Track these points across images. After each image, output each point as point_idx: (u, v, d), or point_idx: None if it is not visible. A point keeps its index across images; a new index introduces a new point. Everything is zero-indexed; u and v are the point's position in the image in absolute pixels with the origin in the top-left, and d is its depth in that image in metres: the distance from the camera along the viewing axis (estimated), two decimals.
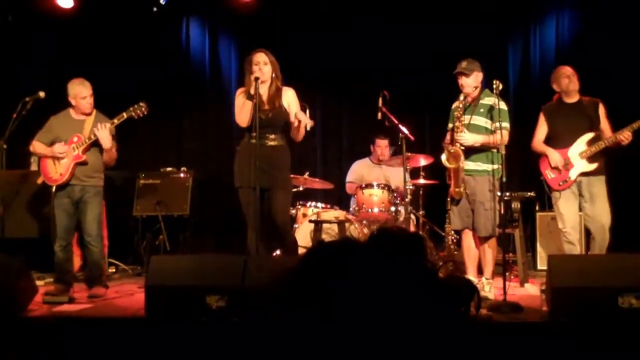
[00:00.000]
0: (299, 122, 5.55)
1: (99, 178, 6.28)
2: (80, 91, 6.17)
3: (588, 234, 6.36)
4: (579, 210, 6.23)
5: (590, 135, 6.10)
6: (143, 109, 6.18)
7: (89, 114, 6.25)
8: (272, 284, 1.17)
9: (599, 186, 6.09)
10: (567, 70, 6.29)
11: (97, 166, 6.24)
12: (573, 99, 6.26)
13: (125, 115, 6.16)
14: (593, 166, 6.05)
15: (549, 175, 6.20)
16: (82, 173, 6.15)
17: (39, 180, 6.35)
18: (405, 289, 1.08)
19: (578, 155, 6.09)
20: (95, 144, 6.15)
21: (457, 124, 5.95)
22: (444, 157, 5.95)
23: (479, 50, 7.04)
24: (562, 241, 6.21)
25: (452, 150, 5.89)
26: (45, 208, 7.19)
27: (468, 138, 5.90)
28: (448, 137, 6.17)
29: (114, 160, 6.35)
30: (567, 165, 6.11)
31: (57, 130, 6.22)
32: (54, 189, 6.16)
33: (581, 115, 6.21)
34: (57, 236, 6.17)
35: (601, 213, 6.02)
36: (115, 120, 6.15)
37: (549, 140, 6.32)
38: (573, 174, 6.09)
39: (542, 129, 6.38)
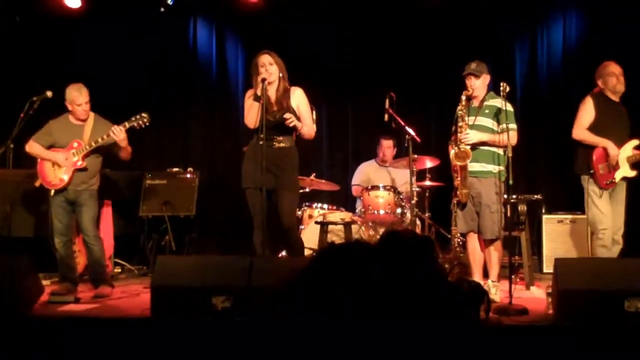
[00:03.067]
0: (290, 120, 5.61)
1: (94, 182, 6.33)
2: (77, 97, 6.18)
3: None
4: None
5: (636, 142, 5.99)
6: (145, 119, 6.22)
7: (84, 120, 6.28)
8: (282, 284, 1.17)
9: (623, 191, 6.02)
10: (616, 68, 6.09)
11: (94, 172, 6.30)
12: (617, 98, 6.11)
13: (127, 124, 6.18)
14: (633, 173, 5.98)
15: (601, 169, 5.98)
16: (80, 179, 6.20)
17: (37, 183, 6.34)
18: (415, 292, 1.08)
19: (625, 158, 5.95)
20: (95, 150, 6.21)
21: (461, 123, 5.94)
22: (452, 152, 5.92)
23: (485, 51, 7.05)
24: (596, 243, 6.01)
25: (462, 149, 5.84)
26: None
27: (472, 136, 5.89)
28: (453, 139, 6.17)
29: (129, 155, 6.41)
30: (616, 165, 5.95)
31: (56, 135, 6.26)
32: (52, 192, 6.18)
33: (624, 117, 6.08)
34: (56, 232, 6.20)
35: (619, 216, 5.95)
36: (122, 127, 6.16)
37: (591, 131, 6.08)
38: (618, 175, 5.95)
39: (588, 116, 6.10)
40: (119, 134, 6.11)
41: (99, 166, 6.37)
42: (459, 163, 5.86)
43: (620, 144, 5.98)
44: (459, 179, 5.95)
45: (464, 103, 5.97)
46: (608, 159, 5.96)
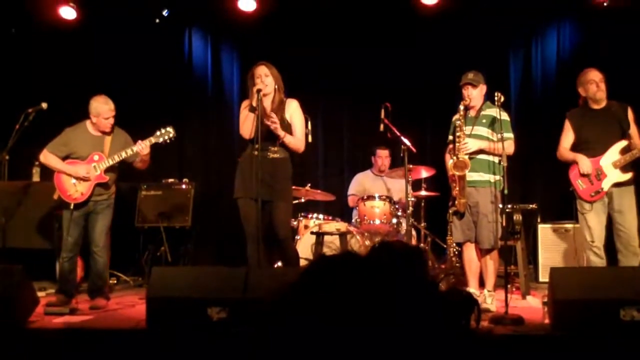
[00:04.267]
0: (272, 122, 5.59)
1: (113, 192, 6.31)
2: (105, 111, 6.12)
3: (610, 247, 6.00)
4: (608, 222, 5.93)
5: (623, 144, 5.84)
6: (171, 134, 6.22)
7: (108, 133, 6.22)
8: (273, 297, 1.17)
9: (630, 197, 5.85)
10: (596, 75, 5.98)
11: (112, 183, 6.27)
12: (601, 105, 6.00)
13: (153, 140, 6.17)
14: (627, 176, 5.82)
15: (580, 185, 5.91)
16: (99, 191, 6.16)
17: (55, 196, 6.23)
18: (405, 303, 1.09)
19: (611, 164, 5.83)
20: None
21: (459, 133, 5.93)
22: (451, 162, 5.91)
23: (480, 61, 7.05)
24: (589, 254, 5.94)
25: (461, 158, 5.83)
26: (47, 219, 7.21)
27: (471, 145, 5.88)
28: (450, 148, 6.19)
29: (146, 166, 6.41)
30: (600, 175, 5.84)
31: (74, 145, 6.17)
32: (72, 206, 6.09)
33: (611, 121, 5.92)
34: (65, 248, 6.12)
35: (631, 226, 5.79)
36: (148, 142, 6.16)
37: (575, 149, 6.03)
38: (606, 184, 5.83)
39: (568, 136, 6.09)
40: (144, 149, 6.10)
41: (115, 177, 6.34)
42: (457, 173, 5.85)
43: (604, 151, 5.89)
44: (457, 188, 5.93)
45: (461, 113, 5.98)
46: (582, 171, 5.89)
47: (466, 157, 5.84)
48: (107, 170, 6.15)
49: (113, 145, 6.18)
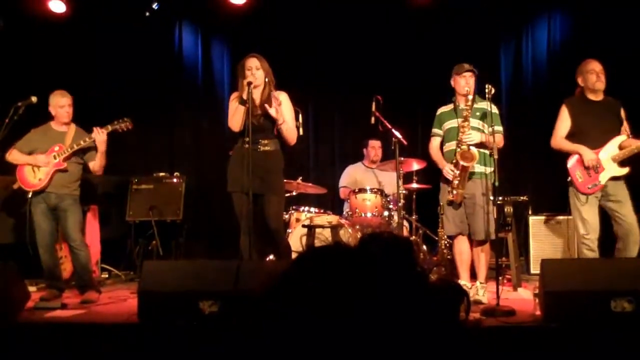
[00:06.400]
0: (275, 110, 5.58)
1: (76, 188, 6.37)
2: (59, 101, 6.32)
3: (606, 239, 5.96)
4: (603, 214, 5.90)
5: (622, 138, 5.83)
6: (127, 123, 6.39)
7: (67, 124, 6.38)
8: (263, 289, 1.17)
9: (623, 189, 5.82)
10: (596, 65, 5.93)
11: (74, 176, 6.36)
12: (598, 97, 5.96)
13: (110, 127, 6.32)
14: (624, 171, 5.78)
15: (579, 177, 5.85)
16: (60, 182, 6.25)
17: (15, 186, 6.40)
18: (394, 293, 1.08)
19: (610, 158, 5.79)
20: (76, 154, 6.29)
21: (463, 123, 5.90)
22: (458, 150, 5.87)
23: (471, 53, 7.04)
24: (581, 247, 5.91)
25: (471, 150, 5.81)
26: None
27: (475, 137, 5.88)
28: (432, 142, 6.19)
29: (102, 168, 6.44)
30: (598, 168, 5.79)
31: (36, 142, 6.33)
32: (30, 194, 6.22)
33: (608, 114, 5.91)
34: (40, 243, 6.22)
35: (631, 214, 5.77)
36: (104, 130, 6.26)
37: (570, 138, 5.96)
38: (603, 178, 5.79)
39: (564, 125, 6.00)
40: (101, 135, 6.20)
41: (80, 172, 6.41)
42: (464, 163, 5.79)
43: (603, 143, 5.86)
44: (458, 179, 5.89)
45: (470, 103, 5.93)
46: (586, 164, 5.82)
47: (474, 149, 5.82)
48: (69, 159, 6.27)
49: (74, 140, 6.33)
